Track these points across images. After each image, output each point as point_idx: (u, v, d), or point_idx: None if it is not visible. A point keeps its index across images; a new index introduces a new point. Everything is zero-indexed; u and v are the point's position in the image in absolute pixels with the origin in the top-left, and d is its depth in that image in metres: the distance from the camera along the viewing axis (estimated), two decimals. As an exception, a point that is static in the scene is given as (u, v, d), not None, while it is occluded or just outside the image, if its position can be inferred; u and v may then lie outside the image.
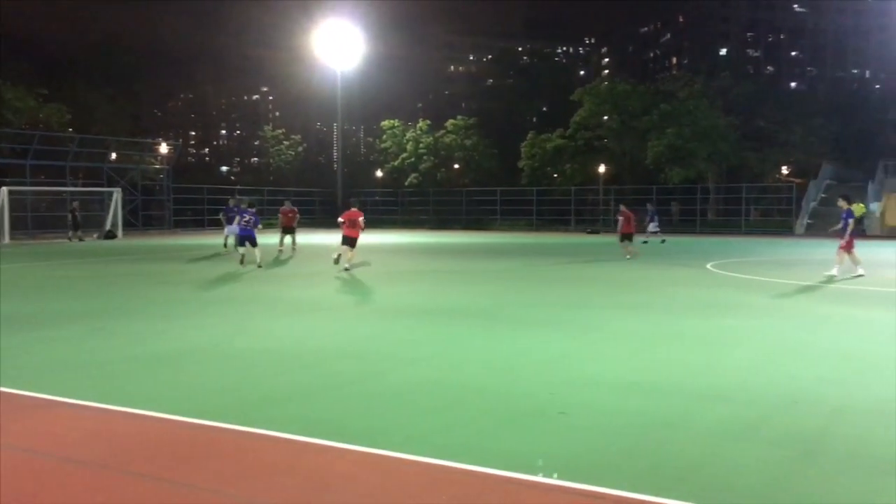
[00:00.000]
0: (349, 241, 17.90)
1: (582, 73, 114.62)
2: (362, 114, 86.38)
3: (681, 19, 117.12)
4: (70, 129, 50.20)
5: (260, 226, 19.71)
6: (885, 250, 27.65)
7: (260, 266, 18.74)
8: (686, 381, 6.72)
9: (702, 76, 57.52)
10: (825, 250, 23.40)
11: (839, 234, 16.82)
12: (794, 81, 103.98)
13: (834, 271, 16.32)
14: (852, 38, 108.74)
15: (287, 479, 4.33)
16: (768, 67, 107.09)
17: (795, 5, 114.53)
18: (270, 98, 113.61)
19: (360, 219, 17.96)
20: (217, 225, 37.13)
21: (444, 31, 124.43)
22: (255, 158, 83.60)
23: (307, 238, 34.46)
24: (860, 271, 16.27)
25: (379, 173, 68.84)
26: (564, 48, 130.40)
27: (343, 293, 14.39)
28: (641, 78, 75.73)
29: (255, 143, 79.09)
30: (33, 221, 39.06)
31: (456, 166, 64.98)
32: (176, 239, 37.48)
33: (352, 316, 11.18)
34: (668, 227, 49.62)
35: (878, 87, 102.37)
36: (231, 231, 22.75)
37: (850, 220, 16.64)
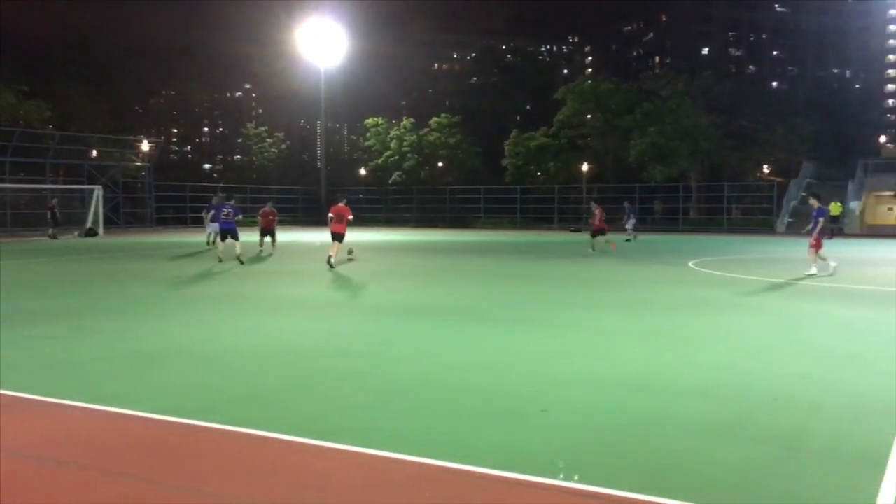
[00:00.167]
0: (336, 237, 18.30)
1: (565, 71, 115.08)
2: (346, 111, 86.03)
3: (664, 18, 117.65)
4: (50, 126, 49.74)
5: (240, 216, 20.07)
6: (865, 248, 27.93)
7: (242, 262, 18.85)
8: (667, 379, 6.75)
9: (684, 75, 57.81)
10: (806, 249, 23.57)
11: (812, 233, 16.95)
12: (775, 81, 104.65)
13: (814, 270, 16.46)
14: (833, 38, 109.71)
15: (268, 478, 4.31)
16: (750, 67, 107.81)
17: (777, 5, 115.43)
18: (253, 95, 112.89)
19: (348, 216, 18.38)
20: (199, 223, 36.94)
21: (427, 29, 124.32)
22: (238, 156, 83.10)
23: (290, 236, 34.34)
24: (832, 267, 16.46)
25: (363, 171, 68.73)
26: (548, 46, 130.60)
27: (325, 291, 14.35)
28: (624, 77, 75.99)
29: (238, 140, 78.59)
30: (13, 219, 38.71)
31: (440, 164, 64.96)
32: (158, 237, 37.23)
33: (333, 314, 11.15)
34: (651, 225, 49.98)
35: (858, 86, 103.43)
36: (214, 228, 22.86)
37: (821, 219, 16.81)
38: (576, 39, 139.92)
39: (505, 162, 59.57)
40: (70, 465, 4.54)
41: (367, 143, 66.86)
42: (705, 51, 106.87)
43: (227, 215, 19.37)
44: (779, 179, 56.04)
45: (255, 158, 71.14)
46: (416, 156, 63.27)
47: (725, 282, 15.59)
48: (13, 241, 32.77)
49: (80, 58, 59.78)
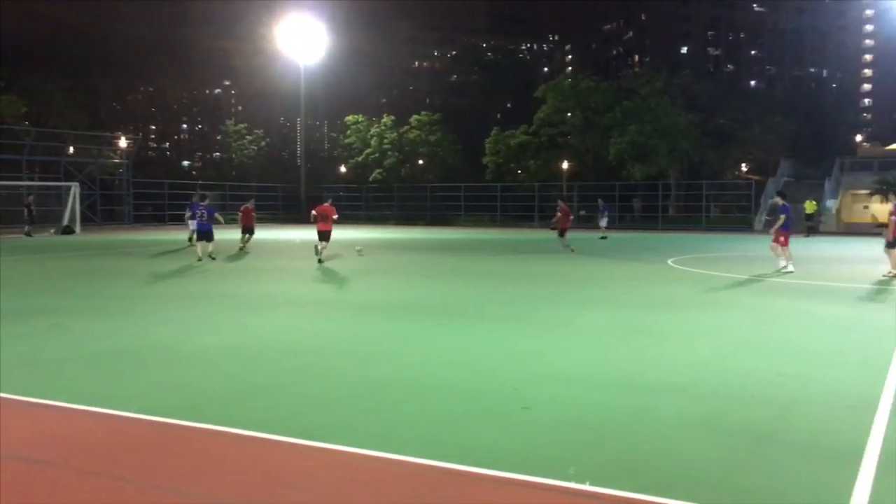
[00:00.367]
0: (322, 235, 19.34)
1: (546, 69, 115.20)
2: (326, 109, 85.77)
3: (643, 17, 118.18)
4: (26, 122, 49.16)
5: (216, 214, 20.63)
6: (841, 246, 28.23)
7: (213, 258, 19.36)
8: (646, 376, 6.80)
9: (663, 74, 58.19)
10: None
11: (778, 230, 17.12)
12: (753, 80, 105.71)
13: (790, 267, 16.63)
14: (810, 38, 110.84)
15: (247, 476, 4.29)
16: (728, 66, 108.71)
17: (755, 5, 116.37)
18: (233, 92, 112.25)
19: (333, 215, 19.53)
20: (178, 220, 36.69)
21: (408, 27, 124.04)
22: (217, 153, 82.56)
23: (270, 234, 34.18)
24: (783, 265, 16.69)
25: (343, 169, 68.52)
26: (528, 45, 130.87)
27: (305, 289, 14.30)
28: (604, 75, 76.39)
29: (217, 137, 78.07)
30: (-13, 216, 38.21)
31: (420, 162, 64.92)
32: (136, 234, 36.91)
33: (313, 312, 11.11)
34: (631, 223, 50.26)
35: (835, 86, 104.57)
36: (194, 226, 22.93)
37: (783, 216, 17.05)
38: (556, 38, 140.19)
39: (485, 160, 59.63)
40: (47, 464, 4.49)
41: (347, 141, 66.66)
42: (684, 50, 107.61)
43: (201, 216, 19.79)
44: (757, 178, 56.55)
45: (234, 156, 70.73)
46: (396, 153, 63.19)
47: (704, 279, 15.71)
48: (-12, 238, 32.36)
49: (56, 53, 59.16)
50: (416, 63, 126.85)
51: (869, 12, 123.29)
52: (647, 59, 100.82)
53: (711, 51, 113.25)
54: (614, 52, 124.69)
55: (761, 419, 5.45)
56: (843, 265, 19.15)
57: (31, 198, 35.75)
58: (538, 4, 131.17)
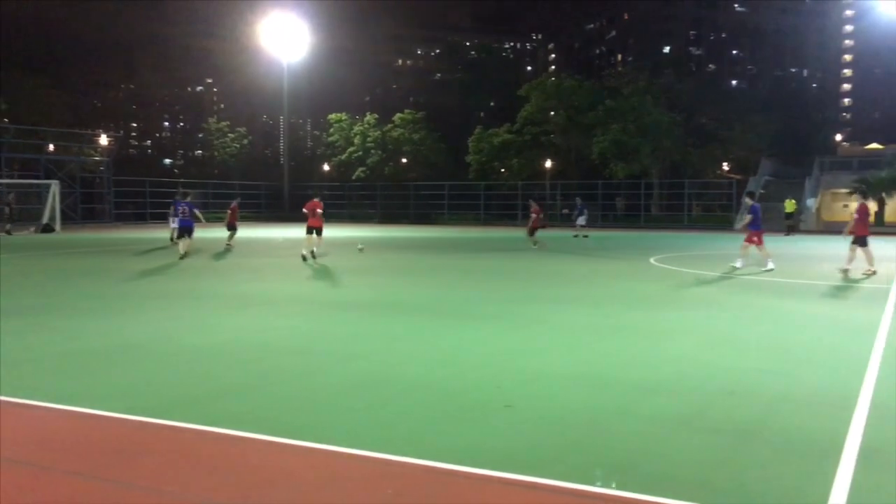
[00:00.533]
0: (312, 231, 19.40)
1: (529, 68, 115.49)
2: (309, 107, 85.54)
3: (626, 17, 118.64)
4: (6, 120, 48.66)
5: (196, 211, 20.96)
6: (821, 245, 28.46)
7: (185, 255, 19.50)
8: (628, 373, 6.82)
9: (646, 73, 58.48)
10: (756, 247, 23.98)
11: (752, 229, 17.30)
12: (734, 80, 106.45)
13: (770, 265, 16.78)
14: (791, 38, 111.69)
15: (228, 475, 4.26)
16: (710, 66, 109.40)
17: (736, 5, 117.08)
18: (215, 90, 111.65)
19: (318, 208, 19.64)
20: (159, 219, 36.45)
21: (392, 25, 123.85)
22: (200, 151, 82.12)
23: (253, 232, 34.03)
24: (739, 264, 16.87)
25: (326, 167, 68.35)
26: (512, 43, 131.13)
27: (286, 287, 14.23)
28: (587, 74, 76.65)
29: (200, 135, 77.65)
30: (-35, 214, 37.74)
31: (404, 160, 64.87)
32: (116, 233, 36.63)
33: (294, 310, 11.06)
34: (613, 221, 50.46)
35: (815, 86, 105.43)
36: (175, 224, 23.09)
37: (749, 216, 17.32)
38: (539, 37, 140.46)
39: (469, 158, 59.66)
40: (24, 464, 4.44)
41: (330, 139, 66.50)
42: (667, 49, 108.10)
43: (183, 213, 20.14)
44: (738, 177, 56.98)
45: (216, 153, 70.40)
46: (379, 152, 63.10)
47: (685, 277, 15.79)
48: (-34, 236, 31.99)
49: (36, 50, 58.57)
50: (400, 61, 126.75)
51: (849, 13, 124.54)
52: (630, 59, 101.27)
53: (693, 50, 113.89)
54: (597, 52, 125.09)
55: (742, 416, 5.48)
56: (823, 263, 19.30)
57: (11, 196, 35.39)
58: (522, 3, 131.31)
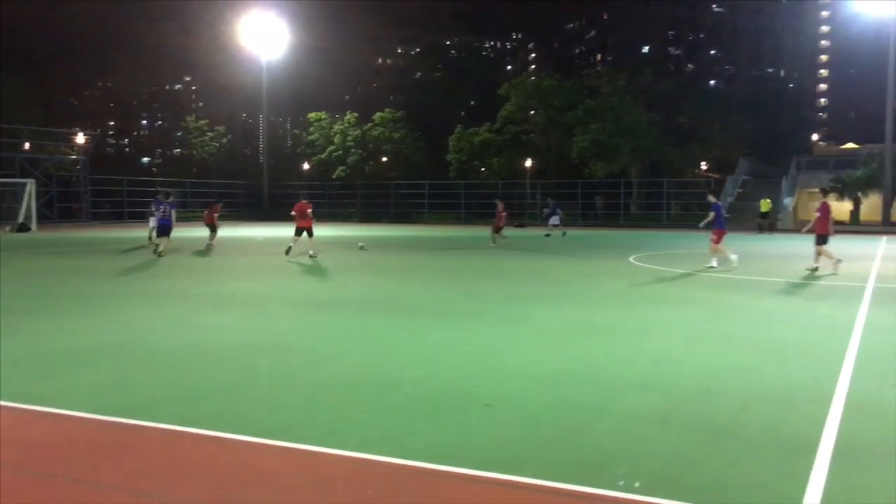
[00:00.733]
0: (300, 232, 19.91)
1: (509, 67, 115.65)
2: (289, 105, 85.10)
3: (605, 17, 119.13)
4: (-21, 118, 48.03)
5: (174, 211, 20.99)
6: (797, 243, 28.73)
7: (162, 254, 19.51)
8: (605, 371, 6.87)
9: (625, 73, 58.74)
10: (740, 243, 24.34)
11: (715, 227, 17.51)
12: (713, 80, 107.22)
13: (732, 257, 17.18)
14: (768, 38, 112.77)
15: (207, 476, 4.25)
16: (689, 65, 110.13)
17: (714, 5, 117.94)
18: (193, 88, 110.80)
19: (309, 210, 20.15)
20: (138, 218, 36.14)
21: (372, 24, 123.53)
22: (178, 150, 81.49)
23: (232, 232, 33.82)
24: (714, 263, 17.09)
25: (306, 166, 68.07)
26: (492, 43, 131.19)
27: (265, 287, 14.17)
28: (567, 74, 76.83)
29: (178, 134, 77.08)
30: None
31: (384, 159, 64.76)
32: (93, 232, 36.27)
33: (273, 310, 11.02)
34: (593, 220, 50.66)
35: (792, 86, 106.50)
36: (154, 223, 23.17)
37: (711, 213, 17.62)
38: (519, 36, 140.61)
39: (449, 157, 59.67)
40: (2, 467, 4.40)
41: (310, 138, 66.24)
42: (646, 49, 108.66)
43: (163, 212, 20.27)
44: (716, 176, 57.46)
45: (195, 152, 69.89)
46: (359, 150, 62.95)
47: (663, 276, 15.91)
48: (-60, 236, 31.57)
49: (10, 47, 57.85)
50: (380, 60, 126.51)
51: (825, 14, 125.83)
52: (610, 59, 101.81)
53: (672, 50, 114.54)
54: (577, 51, 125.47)
55: (716, 413, 5.54)
56: (798, 261, 19.49)
57: (-14, 195, 34.95)
58: (502, 3, 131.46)
